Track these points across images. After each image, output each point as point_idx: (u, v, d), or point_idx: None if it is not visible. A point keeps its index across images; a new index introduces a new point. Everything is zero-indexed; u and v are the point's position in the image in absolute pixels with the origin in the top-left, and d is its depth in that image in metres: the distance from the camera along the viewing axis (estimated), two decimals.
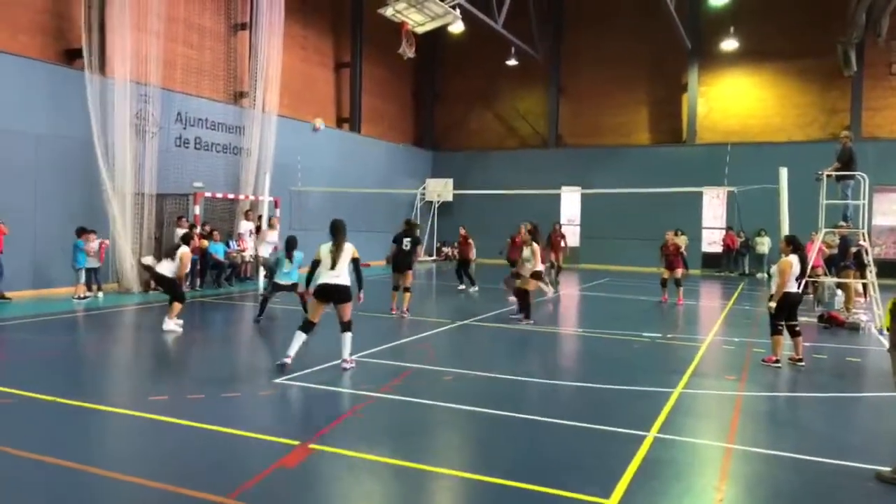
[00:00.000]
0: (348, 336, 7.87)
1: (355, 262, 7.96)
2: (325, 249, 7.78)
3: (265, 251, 15.30)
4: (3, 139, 12.87)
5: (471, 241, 16.66)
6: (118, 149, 14.31)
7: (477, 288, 16.09)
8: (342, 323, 7.82)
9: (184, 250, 10.29)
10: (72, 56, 14.67)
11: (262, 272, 15.17)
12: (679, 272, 14.92)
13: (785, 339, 8.66)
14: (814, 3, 22.40)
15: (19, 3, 13.78)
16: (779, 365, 8.52)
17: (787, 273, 8.51)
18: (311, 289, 7.97)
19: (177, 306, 10.06)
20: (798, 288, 8.79)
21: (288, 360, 7.71)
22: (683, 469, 5.15)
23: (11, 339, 9.75)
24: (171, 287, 10.21)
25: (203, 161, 17.16)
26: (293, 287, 11.07)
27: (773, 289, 8.69)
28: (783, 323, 8.64)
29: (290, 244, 10.93)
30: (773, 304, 8.60)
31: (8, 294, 12.55)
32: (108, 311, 12.27)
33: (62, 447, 5.15)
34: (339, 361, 7.85)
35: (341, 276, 7.70)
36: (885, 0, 17.11)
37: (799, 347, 8.70)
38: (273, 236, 15.48)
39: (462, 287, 16.27)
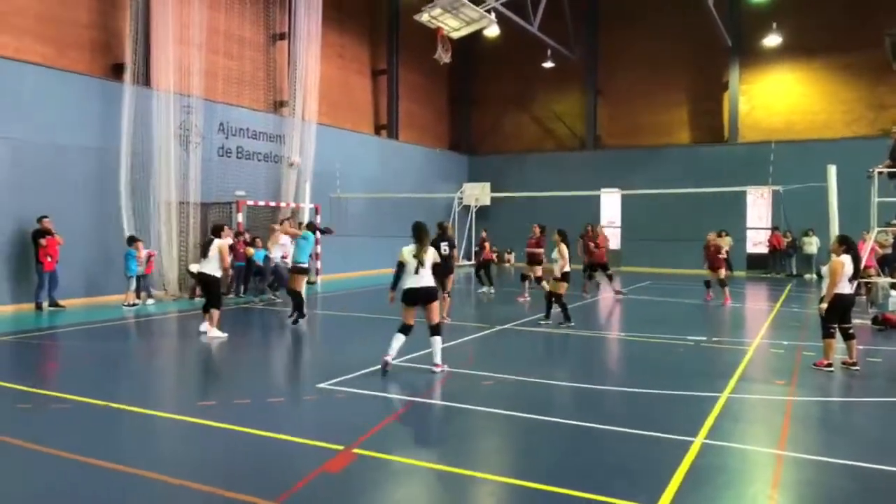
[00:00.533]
0: (437, 340, 7.94)
1: (436, 265, 8.15)
2: (408, 252, 7.88)
3: (278, 253, 14.63)
4: (55, 153, 13.34)
5: (486, 244, 17.47)
6: (163, 159, 14.70)
7: (492, 289, 16.73)
8: (430, 326, 7.95)
9: (218, 242, 10.17)
10: (118, 70, 15.12)
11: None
12: (721, 272, 15.12)
13: (838, 342, 8.41)
14: None
15: (66, 20, 14.27)
16: (831, 369, 8.24)
17: (839, 274, 8.24)
18: (393, 293, 8.02)
19: (215, 313, 10.14)
20: (851, 289, 8.50)
21: (389, 360, 7.84)
22: (733, 476, 5.02)
23: (66, 346, 10.07)
24: (214, 288, 10.17)
25: (245, 170, 17.49)
26: (305, 271, 11.63)
27: (825, 290, 8.43)
28: (836, 326, 8.36)
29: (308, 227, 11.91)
30: (824, 306, 8.35)
31: (62, 302, 12.98)
32: (157, 318, 12.58)
33: (114, 451, 5.29)
34: (430, 366, 7.97)
35: (426, 277, 7.84)
36: None
37: (853, 351, 8.40)
38: (285, 238, 15.00)
39: (483, 290, 16.79)
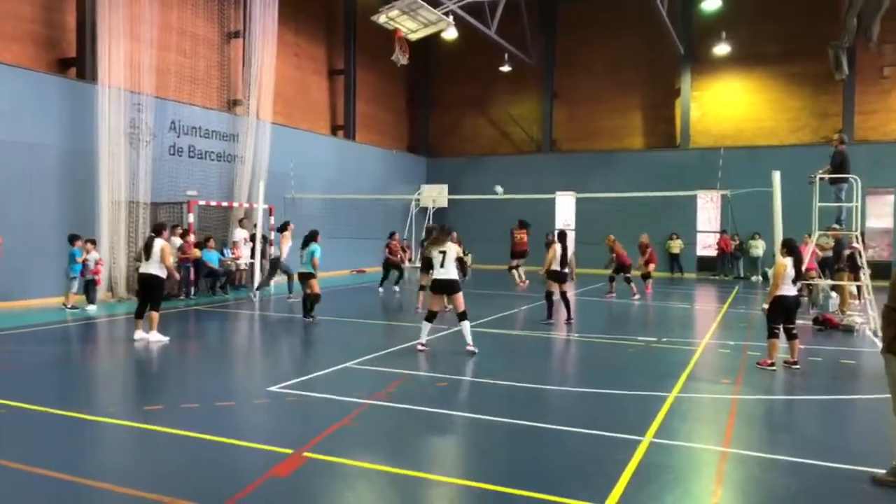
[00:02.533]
0: (465, 325, 9.21)
1: (460, 260, 9.68)
2: (434, 250, 9.27)
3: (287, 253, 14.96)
4: None
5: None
6: (111, 158, 14.30)
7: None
8: (458, 314, 9.20)
9: (161, 242, 9.87)
10: (65, 65, 14.67)
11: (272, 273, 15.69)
12: (651, 267, 17.88)
13: (782, 342, 8.66)
14: (805, 8, 22.53)
15: (10, 14, 13.77)
16: (774, 368, 8.50)
17: (781, 276, 8.51)
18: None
19: (155, 316, 9.82)
20: (794, 291, 8.79)
21: (423, 345, 9.22)
22: (679, 474, 5.13)
23: (1, 350, 9.68)
24: (157, 290, 9.86)
25: (197, 169, 17.15)
26: (308, 276, 11.72)
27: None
28: (779, 326, 8.63)
29: (308, 237, 11.97)
30: (765, 306, 8.69)
31: None
32: (102, 321, 12.20)
33: (54, 458, 5.11)
34: (465, 347, 9.10)
35: (450, 271, 9.08)
36: (876, 5, 17.23)
37: (795, 350, 8.68)
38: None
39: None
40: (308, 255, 11.84)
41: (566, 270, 12.34)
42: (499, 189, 18.18)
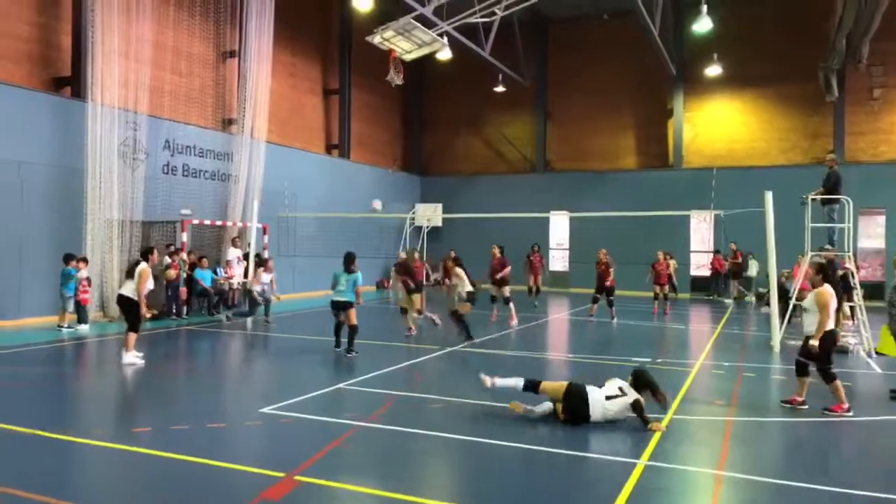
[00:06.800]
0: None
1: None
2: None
3: (257, 289, 14.30)
4: None
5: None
6: (105, 176, 14.27)
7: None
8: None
9: (142, 266, 9.81)
10: (59, 84, 14.68)
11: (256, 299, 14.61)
12: (666, 288, 17.68)
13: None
14: (795, 29, 22.82)
15: (6, 33, 13.80)
16: (851, 414, 7.37)
17: (830, 305, 7.33)
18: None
19: (132, 336, 9.70)
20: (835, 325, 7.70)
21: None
22: (674, 498, 5.09)
23: None
24: (130, 311, 9.71)
25: (191, 188, 17.12)
26: (345, 306, 10.67)
27: (814, 326, 7.45)
28: (829, 365, 7.43)
29: (347, 260, 10.82)
30: (814, 343, 7.40)
31: None
32: (94, 341, 12.10)
33: (42, 482, 5.03)
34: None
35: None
36: (865, 26, 17.48)
37: (840, 391, 7.51)
38: (266, 277, 14.39)
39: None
40: (351, 283, 10.76)
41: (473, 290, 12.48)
42: (377, 205, 17.78)
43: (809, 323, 7.62)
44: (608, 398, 6.82)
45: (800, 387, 7.74)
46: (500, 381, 7.49)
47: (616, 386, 6.94)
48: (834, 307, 7.49)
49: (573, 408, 6.80)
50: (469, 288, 12.12)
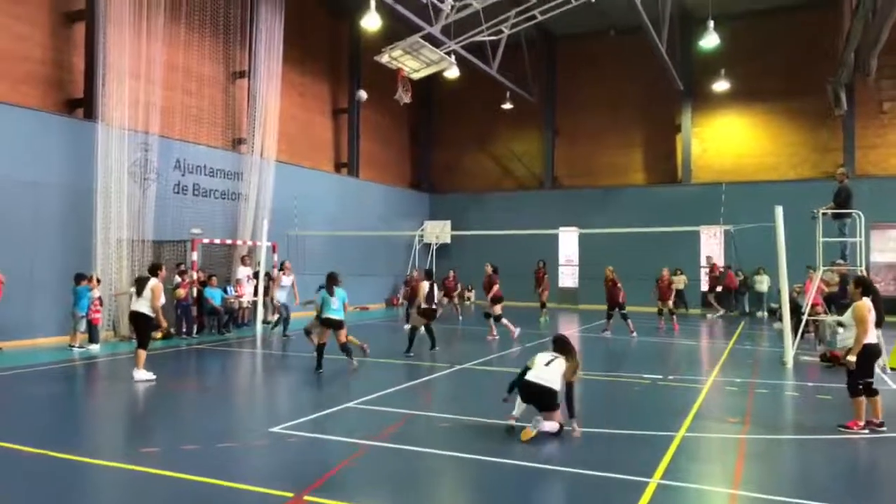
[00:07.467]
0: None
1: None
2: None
3: (282, 296, 15.54)
4: (2, 187, 12.93)
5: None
6: (116, 196, 14.39)
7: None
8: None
9: (154, 283, 9.94)
10: (72, 105, 14.87)
11: (273, 315, 16.08)
12: (669, 303, 17.92)
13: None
14: (803, 43, 22.82)
15: (19, 56, 14.00)
16: (866, 432, 7.32)
17: (868, 320, 7.26)
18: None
19: (142, 354, 9.78)
20: (876, 338, 7.58)
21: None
22: None
23: (2, 390, 9.59)
24: (142, 327, 9.84)
25: (201, 207, 17.24)
26: (340, 324, 10.74)
27: (850, 340, 7.37)
28: (868, 380, 7.33)
29: (332, 280, 10.90)
30: (851, 358, 7.28)
31: (0, 344, 12.43)
32: (105, 360, 12.13)
33: (48, 502, 5.01)
34: None
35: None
36: (873, 39, 17.45)
37: (878, 408, 7.49)
38: (286, 280, 15.59)
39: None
40: (341, 300, 10.85)
41: (434, 307, 12.86)
42: (362, 95, 19.50)
43: (847, 337, 7.54)
44: (547, 364, 7.14)
45: (857, 409, 7.45)
46: (516, 405, 7.33)
47: (549, 354, 7.34)
48: (872, 321, 7.40)
49: (528, 397, 7.12)
50: (424, 304, 12.59)
